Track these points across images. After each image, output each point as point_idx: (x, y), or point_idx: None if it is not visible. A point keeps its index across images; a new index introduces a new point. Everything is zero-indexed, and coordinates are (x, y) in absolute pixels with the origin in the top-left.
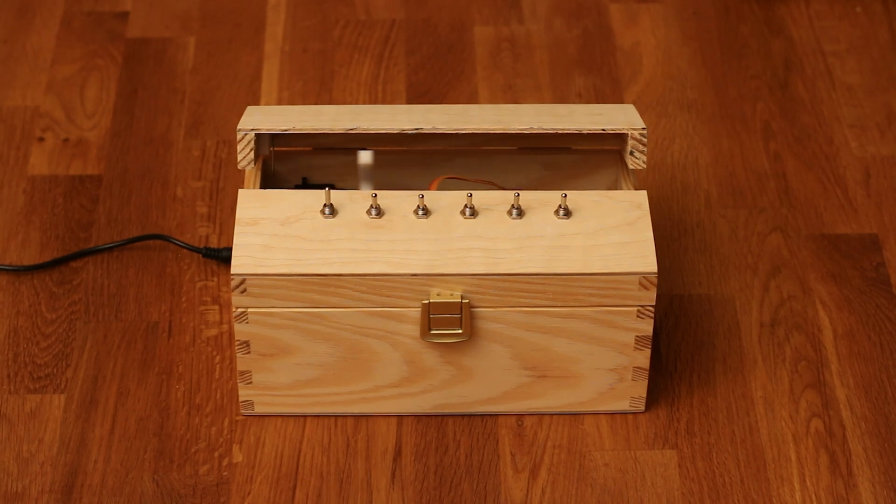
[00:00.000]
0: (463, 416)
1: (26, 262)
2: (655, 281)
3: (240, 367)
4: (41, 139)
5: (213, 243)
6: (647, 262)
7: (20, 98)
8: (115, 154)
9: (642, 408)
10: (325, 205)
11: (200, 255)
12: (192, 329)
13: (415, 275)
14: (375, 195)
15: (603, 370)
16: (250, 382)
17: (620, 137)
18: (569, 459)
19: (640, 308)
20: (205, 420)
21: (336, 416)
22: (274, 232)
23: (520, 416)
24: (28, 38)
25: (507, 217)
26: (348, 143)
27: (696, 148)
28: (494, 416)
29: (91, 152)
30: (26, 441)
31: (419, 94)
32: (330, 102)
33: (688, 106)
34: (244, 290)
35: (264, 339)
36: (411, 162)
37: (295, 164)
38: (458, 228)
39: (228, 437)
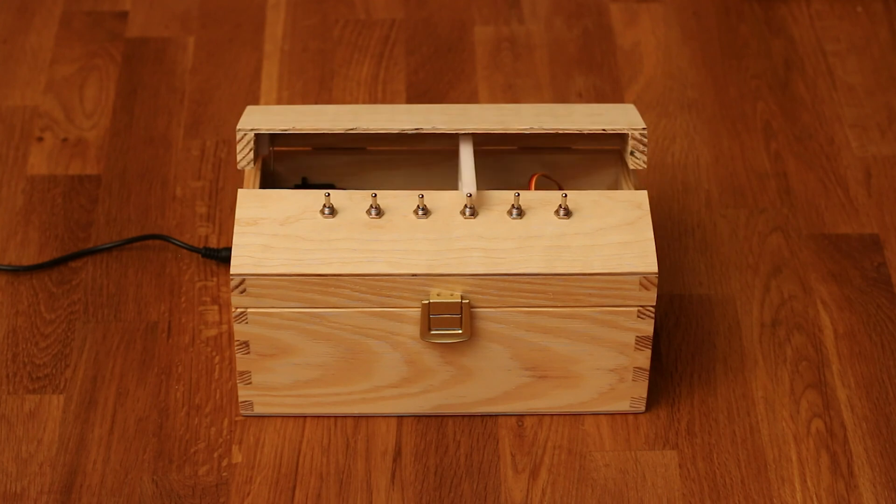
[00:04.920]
0: (463, 416)
1: (25, 262)
2: (656, 281)
3: (239, 367)
4: (40, 139)
5: (213, 243)
6: (647, 262)
7: (19, 98)
8: (114, 154)
9: (643, 408)
10: (324, 205)
11: (200, 255)
12: (192, 329)
13: (415, 275)
14: (375, 195)
15: (603, 370)
16: (250, 383)
17: (621, 137)
18: (569, 460)
19: (640, 308)
20: (204, 420)
21: (336, 417)
22: (273, 232)
23: (520, 417)
24: (27, 37)
25: (507, 217)
26: (348, 143)
27: (697, 148)
28: (494, 416)
29: (90, 152)
30: (25, 441)
31: (419, 94)
32: (330, 102)
33: (688, 106)
34: (244, 291)
35: (264, 340)
36: (411, 162)
37: (294, 164)
38: (458, 228)
39: (228, 437)
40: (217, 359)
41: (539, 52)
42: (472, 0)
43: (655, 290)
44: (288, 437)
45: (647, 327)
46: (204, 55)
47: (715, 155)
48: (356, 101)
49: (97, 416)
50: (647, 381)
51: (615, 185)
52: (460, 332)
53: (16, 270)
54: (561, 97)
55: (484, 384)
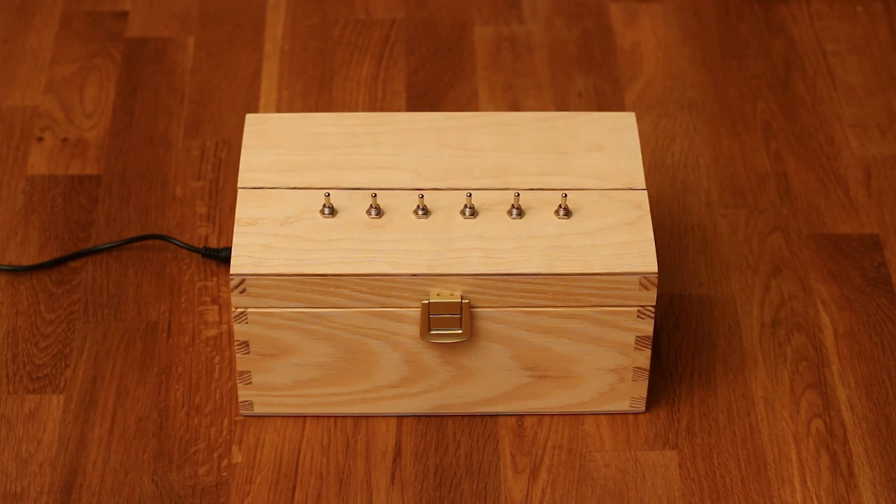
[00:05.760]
0: (463, 416)
1: (25, 262)
2: (656, 281)
3: (239, 367)
4: (40, 139)
5: (213, 243)
6: (647, 262)
7: (19, 98)
8: (114, 154)
9: (643, 408)
10: (324, 205)
11: (200, 255)
12: (192, 329)
13: (415, 275)
14: (375, 195)
15: (603, 370)
16: (250, 383)
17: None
18: (569, 460)
19: (640, 308)
20: (204, 420)
21: (336, 417)
22: (273, 232)
23: (520, 417)
24: (27, 37)
25: (507, 217)
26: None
27: (697, 148)
28: (494, 416)
29: (90, 152)
30: (25, 441)
31: (419, 94)
32: (330, 102)
33: (688, 106)
34: (243, 291)
35: (264, 340)
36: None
37: None
38: (458, 228)
39: (228, 437)
40: (217, 359)
41: (539, 52)
42: (472, 0)
43: (655, 290)
44: (288, 437)
45: (647, 327)
46: (204, 55)
47: (715, 155)
48: (356, 102)
49: (97, 416)
50: (647, 381)
51: None
52: (460, 332)
53: (16, 270)
54: (561, 97)
55: (484, 384)
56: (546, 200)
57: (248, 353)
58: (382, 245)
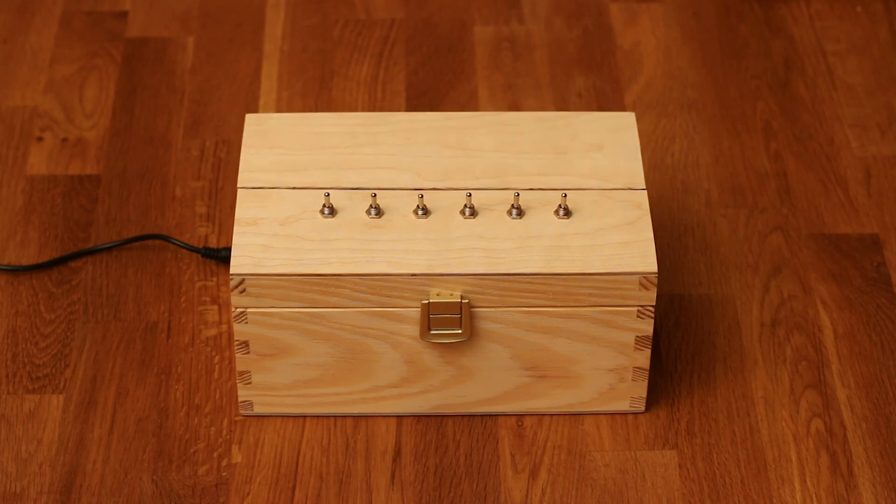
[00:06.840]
0: (463, 416)
1: (25, 262)
2: (656, 281)
3: (239, 367)
4: (40, 139)
5: (213, 243)
6: (647, 262)
7: (19, 98)
8: (114, 154)
9: (642, 408)
10: (324, 205)
11: (199, 255)
12: (192, 329)
13: (414, 275)
14: (375, 195)
15: (603, 370)
16: (249, 383)
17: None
18: (569, 460)
19: (640, 308)
20: (204, 420)
21: (335, 417)
22: (273, 232)
23: (520, 417)
24: (27, 37)
25: (506, 217)
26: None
27: (697, 148)
28: (494, 416)
29: (90, 152)
30: (25, 441)
31: (419, 94)
32: (330, 102)
33: (688, 106)
34: (243, 290)
35: (263, 340)
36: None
37: None
38: (458, 228)
39: (227, 437)
40: (217, 359)
41: (539, 52)
42: (472, 0)
43: (655, 289)
44: (288, 437)
45: (647, 327)
46: (204, 55)
47: (715, 155)
48: (356, 101)
49: (97, 416)
50: (646, 381)
51: None
52: (460, 331)
53: (16, 270)
54: (561, 97)
55: (484, 384)
56: (546, 200)
57: (248, 353)
58: (382, 245)
